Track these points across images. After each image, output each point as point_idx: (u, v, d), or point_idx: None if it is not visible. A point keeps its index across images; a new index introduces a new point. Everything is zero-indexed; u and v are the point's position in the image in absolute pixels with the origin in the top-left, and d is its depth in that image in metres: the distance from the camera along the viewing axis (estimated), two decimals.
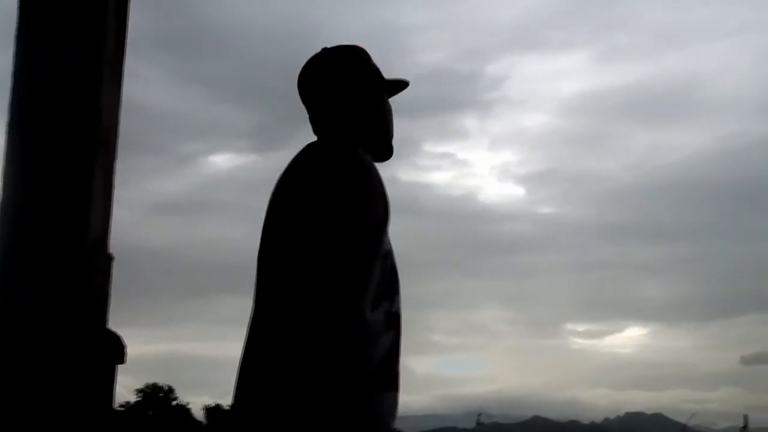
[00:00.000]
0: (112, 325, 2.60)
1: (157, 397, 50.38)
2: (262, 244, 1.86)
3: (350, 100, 1.94)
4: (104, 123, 2.47)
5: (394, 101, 2.01)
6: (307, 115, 2.00)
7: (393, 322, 1.81)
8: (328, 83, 1.96)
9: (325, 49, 1.99)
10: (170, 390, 50.69)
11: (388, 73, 2.01)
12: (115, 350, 2.58)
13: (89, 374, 2.48)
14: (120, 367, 2.60)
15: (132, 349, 2.57)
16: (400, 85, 2.03)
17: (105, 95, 2.48)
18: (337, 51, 1.99)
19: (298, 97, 1.96)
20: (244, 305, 1.98)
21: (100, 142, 2.46)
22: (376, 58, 1.99)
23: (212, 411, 52.42)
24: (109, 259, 2.57)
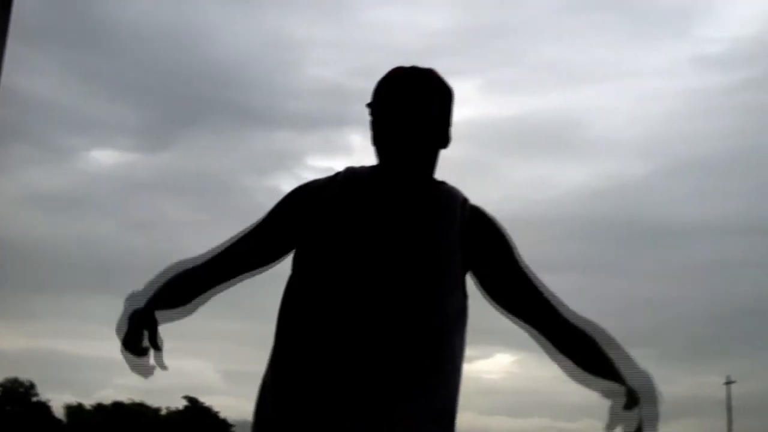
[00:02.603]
0: None
1: (16, 392, 48.36)
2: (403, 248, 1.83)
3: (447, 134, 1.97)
4: None
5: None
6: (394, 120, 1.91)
7: None
8: (441, 110, 1.95)
9: (433, 72, 1.94)
10: (31, 386, 48.78)
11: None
12: None
13: None
14: None
15: None
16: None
17: None
18: (445, 83, 1.96)
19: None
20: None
21: None
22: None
23: (74, 410, 50.73)
24: None
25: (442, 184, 1.97)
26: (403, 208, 1.87)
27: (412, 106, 1.88)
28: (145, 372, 1.92)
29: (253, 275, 2.03)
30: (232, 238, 2.00)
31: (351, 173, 1.96)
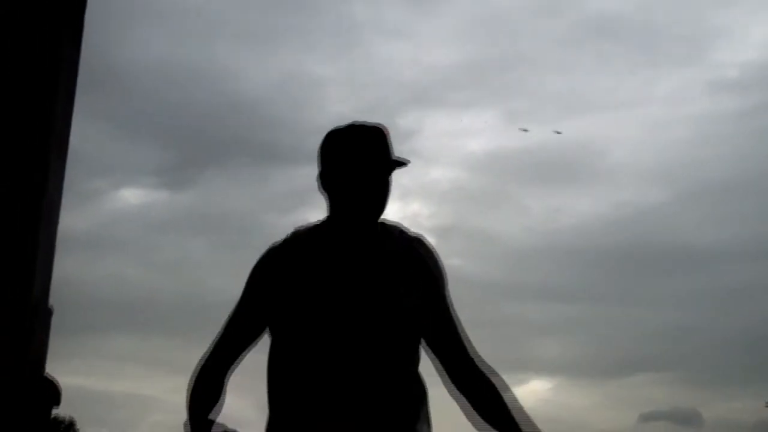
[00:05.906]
0: None
1: (58, 429, 48.73)
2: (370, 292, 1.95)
3: None
4: (49, 197, 2.76)
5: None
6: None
7: None
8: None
9: (385, 128, 2.06)
10: (71, 424, 49.23)
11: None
12: (52, 394, 2.89)
13: (27, 415, 2.76)
14: None
15: None
16: None
17: (52, 171, 2.75)
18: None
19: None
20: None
21: (46, 213, 2.74)
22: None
23: None
24: (50, 312, 2.86)
25: (384, 224, 2.07)
26: (369, 255, 2.00)
27: (385, 160, 2.01)
28: None
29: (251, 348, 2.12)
30: (224, 326, 2.08)
31: (303, 233, 2.07)
